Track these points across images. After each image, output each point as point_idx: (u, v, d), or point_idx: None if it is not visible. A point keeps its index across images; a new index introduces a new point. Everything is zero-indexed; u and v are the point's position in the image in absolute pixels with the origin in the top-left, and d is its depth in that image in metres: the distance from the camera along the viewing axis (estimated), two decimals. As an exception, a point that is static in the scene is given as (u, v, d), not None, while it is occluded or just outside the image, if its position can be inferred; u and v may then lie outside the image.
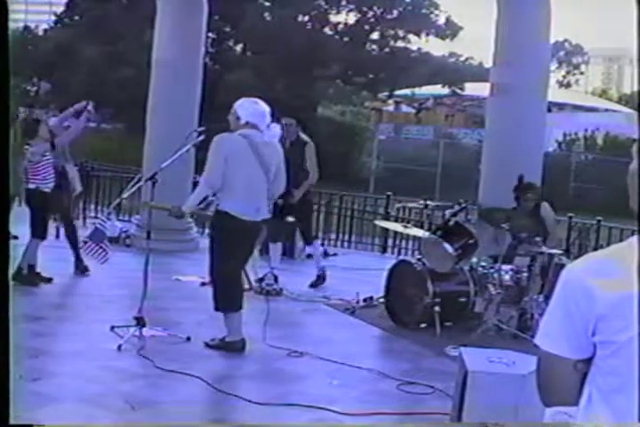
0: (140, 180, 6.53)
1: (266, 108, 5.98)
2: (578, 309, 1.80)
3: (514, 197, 7.70)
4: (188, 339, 6.14)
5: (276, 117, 6.28)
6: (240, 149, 5.78)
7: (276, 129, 6.03)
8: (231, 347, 5.98)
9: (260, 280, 8.17)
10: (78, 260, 8.21)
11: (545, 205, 7.71)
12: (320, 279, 8.72)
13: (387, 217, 12.11)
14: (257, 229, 6.09)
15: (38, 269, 7.79)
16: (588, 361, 1.85)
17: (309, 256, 9.69)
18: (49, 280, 7.80)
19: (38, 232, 7.68)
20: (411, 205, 9.52)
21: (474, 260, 7.25)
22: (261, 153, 5.86)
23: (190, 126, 8.65)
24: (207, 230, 11.94)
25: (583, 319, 1.80)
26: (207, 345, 6.05)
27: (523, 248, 7.22)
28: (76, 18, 29.12)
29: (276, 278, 8.30)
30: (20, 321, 6.03)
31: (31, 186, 7.67)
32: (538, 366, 1.93)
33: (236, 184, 5.75)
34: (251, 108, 5.93)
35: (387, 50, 28.83)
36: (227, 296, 5.95)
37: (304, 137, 8.59)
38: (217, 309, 6.00)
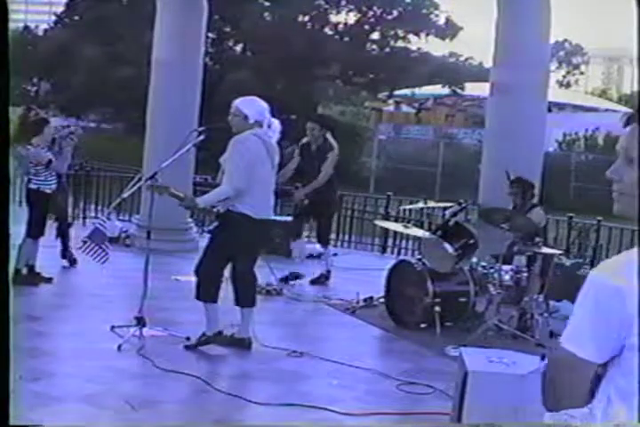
0: (140, 180, 6.51)
1: (265, 104, 6.01)
2: (610, 310, 1.79)
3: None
4: (188, 339, 6.12)
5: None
6: (260, 152, 5.84)
7: (277, 125, 6.04)
8: (238, 343, 6.00)
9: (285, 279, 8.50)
10: (66, 250, 8.53)
11: (537, 210, 7.62)
12: (322, 278, 8.78)
13: (387, 217, 12.10)
14: (270, 227, 6.27)
15: (38, 270, 7.79)
16: (605, 365, 1.85)
17: (310, 256, 9.68)
18: (49, 280, 7.81)
19: (35, 232, 7.67)
20: (413, 206, 9.52)
21: (474, 260, 7.25)
22: (272, 152, 5.96)
23: (190, 126, 8.64)
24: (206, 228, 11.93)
25: (618, 321, 1.79)
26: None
27: (521, 248, 7.22)
28: (76, 18, 29.10)
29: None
30: (20, 321, 6.03)
31: (32, 186, 7.66)
32: (553, 370, 1.91)
33: (256, 186, 5.80)
34: (256, 107, 5.94)
35: (387, 50, 28.80)
36: (249, 294, 6.03)
37: (332, 142, 8.57)
38: (244, 306, 6.01)
